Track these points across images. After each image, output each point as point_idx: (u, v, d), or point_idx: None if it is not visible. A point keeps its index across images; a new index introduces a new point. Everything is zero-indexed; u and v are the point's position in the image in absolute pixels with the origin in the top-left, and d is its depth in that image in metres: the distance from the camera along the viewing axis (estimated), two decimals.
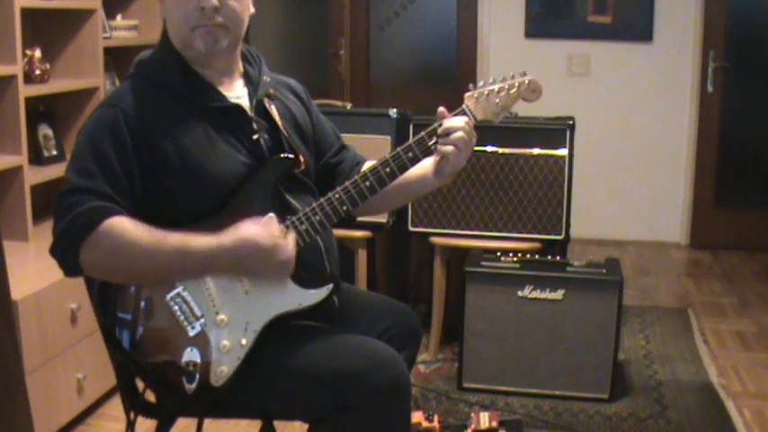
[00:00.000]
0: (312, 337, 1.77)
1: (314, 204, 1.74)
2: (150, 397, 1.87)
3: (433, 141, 1.77)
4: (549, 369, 3.03)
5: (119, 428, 2.78)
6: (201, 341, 1.68)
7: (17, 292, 2.37)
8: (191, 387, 1.67)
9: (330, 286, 1.76)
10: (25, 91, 3.00)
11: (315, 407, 1.71)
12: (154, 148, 1.68)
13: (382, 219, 3.36)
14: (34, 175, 3.10)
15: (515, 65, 5.01)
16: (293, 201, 1.79)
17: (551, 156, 3.24)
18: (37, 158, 3.24)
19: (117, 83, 3.74)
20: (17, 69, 2.94)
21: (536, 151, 3.24)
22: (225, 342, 1.68)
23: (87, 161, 1.65)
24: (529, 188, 3.26)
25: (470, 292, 3.06)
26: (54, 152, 3.32)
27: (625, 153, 5.14)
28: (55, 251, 1.64)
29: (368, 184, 1.75)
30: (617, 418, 2.92)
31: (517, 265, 3.06)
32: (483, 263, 3.09)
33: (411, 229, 3.39)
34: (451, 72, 5.37)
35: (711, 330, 3.79)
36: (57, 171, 3.22)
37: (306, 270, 1.75)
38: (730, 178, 5.11)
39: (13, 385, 1.92)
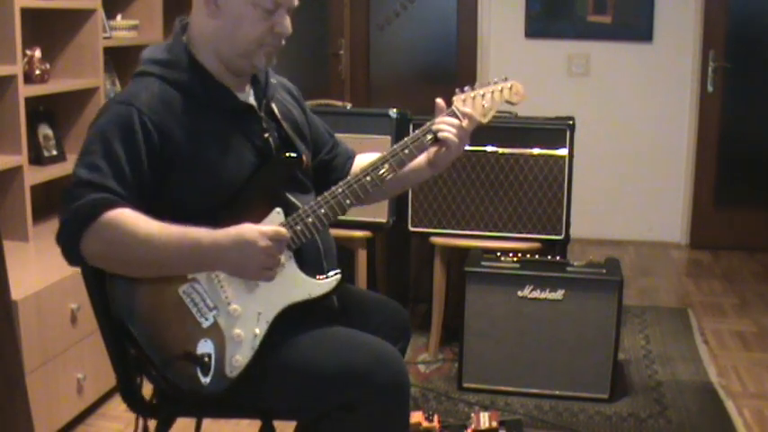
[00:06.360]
0: (314, 335, 1.78)
1: (318, 198, 1.78)
2: (148, 393, 1.87)
3: (428, 139, 1.89)
4: (549, 369, 3.03)
5: (119, 428, 2.79)
6: (215, 332, 1.69)
7: (17, 292, 2.37)
8: (206, 380, 1.68)
9: (338, 277, 1.80)
10: (25, 91, 3.00)
11: (318, 405, 1.72)
12: (168, 147, 1.69)
13: (382, 219, 3.36)
14: (34, 175, 3.10)
15: (515, 65, 5.10)
16: (294, 200, 1.81)
17: (551, 156, 3.24)
18: (37, 158, 3.23)
19: (117, 83, 3.74)
20: (17, 69, 2.94)
21: (536, 151, 3.24)
22: (238, 331, 1.70)
23: (96, 157, 1.65)
24: (529, 188, 3.26)
25: (470, 292, 3.05)
26: (54, 152, 3.32)
27: (625, 153, 5.13)
28: (59, 240, 1.65)
29: (369, 179, 1.81)
30: (617, 418, 2.92)
31: (517, 265, 3.06)
32: (483, 263, 3.09)
33: (411, 229, 3.39)
34: (451, 72, 5.36)
35: (711, 330, 3.79)
36: (57, 171, 3.22)
37: (304, 268, 1.78)
38: (730, 178, 5.11)
39: (13, 385, 1.92)
